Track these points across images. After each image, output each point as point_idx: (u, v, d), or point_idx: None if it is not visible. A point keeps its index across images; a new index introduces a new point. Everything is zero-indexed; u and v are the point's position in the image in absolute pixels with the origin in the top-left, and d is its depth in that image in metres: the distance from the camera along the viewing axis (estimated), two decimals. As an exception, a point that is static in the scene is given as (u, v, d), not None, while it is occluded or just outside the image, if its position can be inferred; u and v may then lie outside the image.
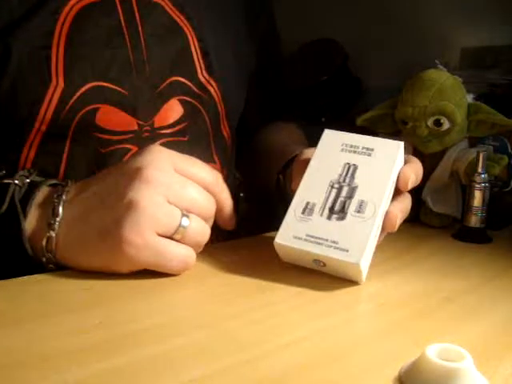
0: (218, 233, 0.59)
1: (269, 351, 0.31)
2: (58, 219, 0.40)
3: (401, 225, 0.44)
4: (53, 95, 0.48)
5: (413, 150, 0.59)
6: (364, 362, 0.31)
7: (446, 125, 0.57)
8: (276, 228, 0.42)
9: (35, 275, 0.40)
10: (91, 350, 0.30)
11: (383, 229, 0.43)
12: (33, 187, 0.42)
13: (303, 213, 0.42)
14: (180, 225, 0.40)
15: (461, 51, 0.89)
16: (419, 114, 0.57)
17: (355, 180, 0.43)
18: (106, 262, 0.40)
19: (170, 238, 0.40)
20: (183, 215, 0.40)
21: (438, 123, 0.57)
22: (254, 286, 0.41)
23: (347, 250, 0.40)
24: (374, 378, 0.29)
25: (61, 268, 0.41)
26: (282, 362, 0.30)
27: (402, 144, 0.45)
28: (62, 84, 0.48)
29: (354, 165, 0.44)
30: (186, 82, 0.56)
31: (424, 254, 0.51)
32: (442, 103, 0.56)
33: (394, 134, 0.61)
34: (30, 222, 0.40)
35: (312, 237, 0.41)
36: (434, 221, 0.60)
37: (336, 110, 1.07)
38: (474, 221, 0.56)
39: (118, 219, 0.38)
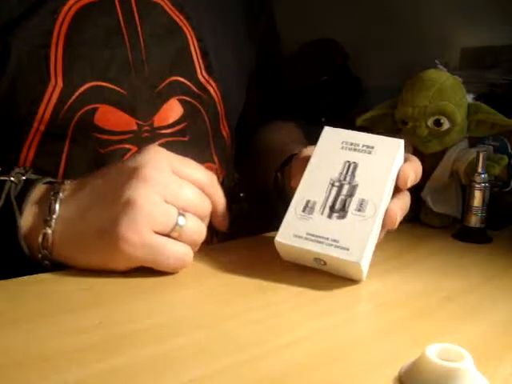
0: (218, 233, 0.60)
1: (269, 351, 0.31)
2: (54, 216, 0.40)
3: (401, 225, 0.44)
4: (51, 95, 0.48)
5: (413, 150, 0.59)
6: (364, 362, 0.31)
7: (446, 125, 0.57)
8: (276, 227, 0.42)
9: (35, 275, 0.40)
10: (91, 350, 0.30)
11: (383, 226, 0.43)
12: (29, 184, 0.42)
13: (304, 211, 0.42)
14: (176, 223, 0.40)
15: (461, 51, 0.89)
16: (419, 114, 0.57)
17: (355, 178, 0.43)
18: (103, 259, 0.40)
19: (167, 236, 0.40)
20: (180, 214, 0.40)
21: (438, 123, 0.57)
22: (254, 286, 0.41)
23: (348, 249, 0.40)
24: (373, 378, 0.29)
25: (60, 268, 0.41)
26: (282, 362, 0.30)
27: (402, 142, 0.45)
28: (60, 84, 0.48)
29: (355, 163, 0.44)
30: (186, 81, 0.56)
31: (424, 254, 0.51)
32: (441, 103, 0.56)
33: (394, 133, 0.61)
34: (26, 219, 0.41)
35: (313, 235, 0.41)
36: (434, 221, 0.60)
37: (336, 110, 1.07)
38: (474, 221, 0.55)
39: (115, 217, 0.39)
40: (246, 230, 0.56)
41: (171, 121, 0.55)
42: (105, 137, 0.51)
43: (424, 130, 0.57)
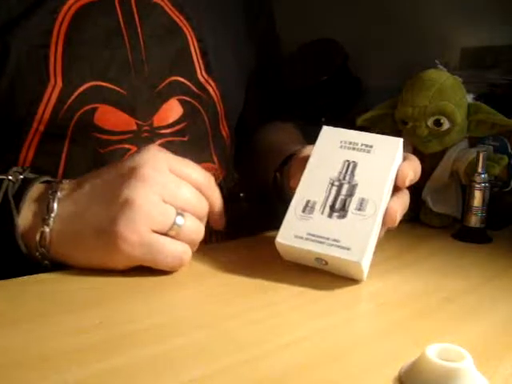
0: (218, 233, 0.60)
1: (269, 351, 0.31)
2: (52, 215, 0.40)
3: (401, 225, 0.44)
4: (51, 95, 0.48)
5: (413, 150, 0.59)
6: (364, 362, 0.31)
7: (446, 125, 0.57)
8: (276, 227, 0.42)
9: (35, 275, 0.40)
10: (91, 350, 0.30)
11: (384, 224, 0.43)
12: (26, 183, 0.42)
13: (304, 211, 0.42)
14: (174, 223, 0.40)
15: (461, 51, 0.89)
16: (419, 114, 0.57)
17: (355, 177, 0.43)
18: (102, 258, 0.40)
19: (165, 235, 0.40)
20: (178, 214, 0.40)
21: (438, 123, 0.57)
22: (254, 286, 0.41)
23: (349, 249, 0.40)
24: (374, 378, 0.29)
25: (60, 268, 0.41)
26: (282, 362, 0.30)
27: (401, 140, 0.45)
28: (60, 83, 0.48)
29: (354, 162, 0.44)
30: (186, 81, 0.56)
31: (424, 254, 0.51)
32: (441, 103, 0.56)
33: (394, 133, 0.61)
34: (24, 218, 0.41)
35: (313, 235, 0.41)
36: (434, 221, 0.60)
37: (336, 110, 1.07)
38: (474, 221, 0.55)
39: (113, 217, 0.39)
40: (246, 230, 0.56)
41: (171, 121, 0.55)
42: (104, 137, 0.51)
43: (424, 130, 0.57)
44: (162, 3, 0.55)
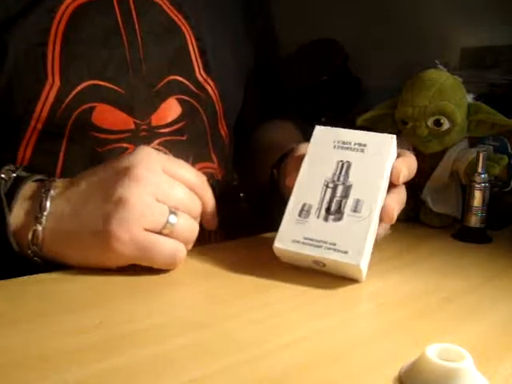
0: (218, 233, 0.59)
1: (269, 351, 0.31)
2: (45, 213, 0.40)
3: (401, 225, 0.44)
4: (49, 93, 0.48)
5: (413, 150, 0.59)
6: (364, 362, 0.31)
7: (446, 125, 0.57)
8: (275, 228, 0.42)
9: (35, 275, 0.40)
10: (91, 350, 0.30)
11: (381, 221, 0.43)
12: (19, 181, 0.42)
13: (300, 215, 0.42)
14: (168, 221, 0.40)
15: (461, 51, 0.89)
16: (419, 114, 0.57)
17: (349, 178, 0.43)
18: (95, 257, 0.40)
19: (159, 234, 0.40)
20: (171, 212, 0.41)
21: (438, 123, 0.57)
22: (254, 286, 0.41)
23: (346, 252, 0.40)
24: (373, 378, 0.29)
25: (60, 268, 0.41)
26: (282, 362, 0.30)
27: (394, 137, 0.45)
28: (57, 82, 0.48)
29: (348, 162, 0.44)
30: (184, 81, 0.56)
31: (424, 254, 0.51)
32: (441, 103, 0.56)
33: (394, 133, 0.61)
34: (16, 216, 0.41)
35: (310, 239, 0.41)
36: (434, 221, 0.60)
37: (336, 110, 1.07)
38: (474, 221, 0.55)
39: (107, 216, 0.39)
40: (246, 230, 0.56)
41: (169, 120, 0.55)
42: (102, 136, 0.51)
43: (424, 130, 0.57)
44: (161, 2, 0.55)
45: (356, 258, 0.39)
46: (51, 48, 0.48)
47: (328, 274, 0.42)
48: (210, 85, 0.58)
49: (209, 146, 0.60)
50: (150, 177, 0.40)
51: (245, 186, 0.74)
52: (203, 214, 0.46)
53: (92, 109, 0.50)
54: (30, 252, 0.40)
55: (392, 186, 0.45)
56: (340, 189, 0.43)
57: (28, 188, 0.42)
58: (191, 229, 0.42)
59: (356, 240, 0.40)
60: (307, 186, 0.44)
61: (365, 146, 0.45)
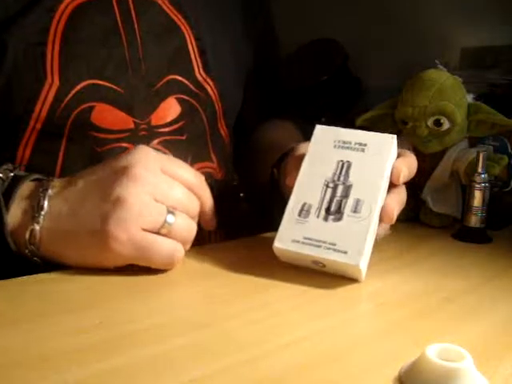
0: (218, 233, 0.59)
1: (269, 351, 0.31)
2: (42, 213, 0.40)
3: (401, 225, 0.44)
4: (48, 93, 0.48)
5: (413, 150, 0.59)
6: (364, 362, 0.31)
7: (446, 125, 0.57)
8: (275, 228, 0.42)
9: (35, 275, 0.40)
10: (91, 350, 0.30)
11: (381, 221, 0.43)
12: (16, 181, 0.42)
13: (300, 215, 0.42)
14: (165, 221, 0.40)
15: (461, 51, 0.89)
16: (419, 114, 0.57)
17: (350, 178, 0.43)
18: (93, 257, 0.40)
19: (157, 233, 0.40)
20: (168, 212, 0.40)
21: (438, 123, 0.57)
22: (254, 286, 0.41)
23: (346, 252, 0.40)
24: (373, 378, 0.29)
25: (60, 268, 0.41)
26: (282, 362, 0.30)
27: (394, 137, 0.45)
28: (57, 82, 0.48)
29: (348, 162, 0.44)
30: (184, 80, 0.56)
31: (424, 254, 0.51)
32: (441, 103, 0.56)
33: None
34: (13, 216, 0.40)
35: (310, 239, 0.41)
36: (434, 221, 0.60)
37: (336, 110, 1.07)
38: (474, 221, 0.55)
39: (105, 215, 0.39)
40: (246, 230, 0.56)
41: (169, 119, 0.55)
42: (102, 135, 0.51)
43: (424, 130, 0.57)
44: (160, 1, 0.55)
45: (355, 258, 0.39)
46: (50, 47, 0.48)
47: (328, 273, 0.42)
48: (209, 84, 0.58)
49: (208, 145, 0.60)
50: (148, 176, 0.40)
51: (245, 186, 0.74)
52: (201, 214, 0.46)
53: (91, 108, 0.50)
54: (27, 251, 0.40)
55: (392, 185, 0.45)
56: (340, 188, 0.43)
57: (25, 187, 0.42)
58: (189, 229, 0.42)
59: (356, 240, 0.40)
60: (307, 185, 0.44)
61: (365, 145, 0.44)
